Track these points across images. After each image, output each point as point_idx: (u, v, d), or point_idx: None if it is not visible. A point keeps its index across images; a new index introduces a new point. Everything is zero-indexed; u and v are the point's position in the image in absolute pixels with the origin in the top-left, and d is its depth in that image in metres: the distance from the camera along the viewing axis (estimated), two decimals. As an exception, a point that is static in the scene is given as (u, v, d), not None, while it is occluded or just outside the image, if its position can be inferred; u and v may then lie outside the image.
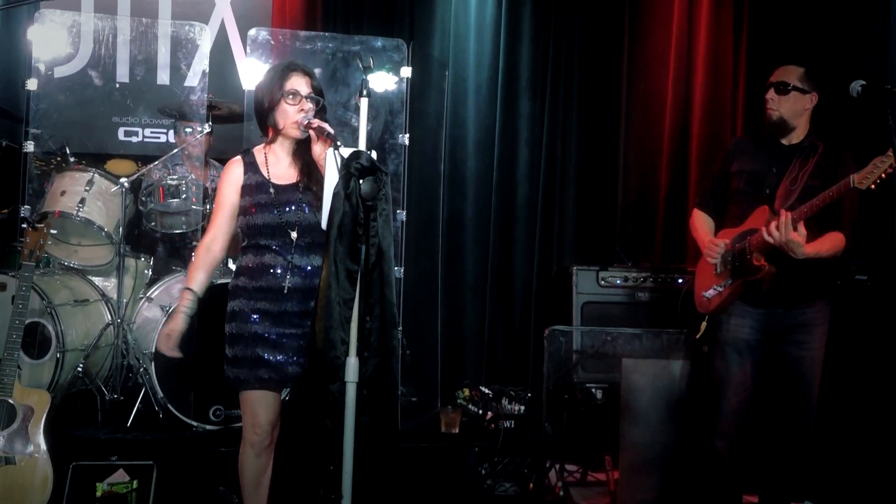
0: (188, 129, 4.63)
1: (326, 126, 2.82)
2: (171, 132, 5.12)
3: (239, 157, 3.03)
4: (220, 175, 4.85)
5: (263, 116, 3.00)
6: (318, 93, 2.99)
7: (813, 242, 3.26)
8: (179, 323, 2.94)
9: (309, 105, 2.94)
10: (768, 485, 3.55)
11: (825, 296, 3.46)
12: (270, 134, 3.02)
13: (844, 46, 4.79)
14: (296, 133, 2.95)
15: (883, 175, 3.06)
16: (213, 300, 3.98)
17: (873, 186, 3.07)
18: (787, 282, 3.36)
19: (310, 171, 2.94)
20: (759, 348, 3.47)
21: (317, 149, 2.88)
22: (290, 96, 2.92)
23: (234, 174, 3.00)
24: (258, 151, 3.03)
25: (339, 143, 2.66)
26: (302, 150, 2.97)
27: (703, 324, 3.57)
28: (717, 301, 3.50)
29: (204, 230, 4.40)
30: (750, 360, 3.46)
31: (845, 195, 3.24)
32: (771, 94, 3.50)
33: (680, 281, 4.62)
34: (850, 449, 3.89)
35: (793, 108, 3.46)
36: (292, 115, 2.93)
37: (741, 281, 3.41)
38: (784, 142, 3.51)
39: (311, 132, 2.89)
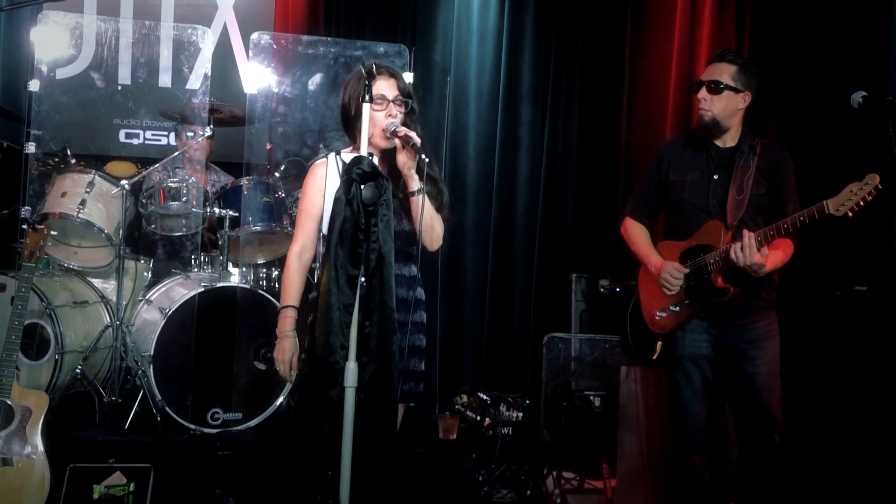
0: (190, 133, 4.64)
1: (413, 135, 2.69)
2: (173, 135, 5.13)
3: (324, 160, 2.87)
4: (220, 178, 4.94)
5: (350, 125, 2.85)
6: (405, 95, 2.83)
7: (770, 257, 3.12)
8: (289, 346, 2.82)
9: (396, 109, 2.81)
10: (753, 495, 3.49)
11: (774, 307, 3.37)
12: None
13: (846, 57, 4.79)
14: (383, 143, 2.80)
15: (861, 202, 2.89)
16: (212, 303, 4.01)
17: (850, 214, 2.91)
18: (740, 299, 3.26)
19: (396, 179, 2.77)
20: (718, 361, 3.38)
21: (401, 158, 2.74)
22: (377, 102, 2.73)
23: (319, 178, 2.84)
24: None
25: (424, 156, 2.61)
26: (389, 157, 2.82)
27: (659, 343, 3.43)
28: (673, 322, 3.38)
29: (203, 233, 4.42)
30: (711, 372, 3.38)
31: (790, 199, 3.21)
32: (703, 93, 3.32)
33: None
34: (849, 460, 3.88)
35: (726, 108, 3.30)
36: (379, 121, 2.77)
37: (700, 303, 3.30)
38: (719, 143, 3.38)
39: (397, 140, 2.73)
